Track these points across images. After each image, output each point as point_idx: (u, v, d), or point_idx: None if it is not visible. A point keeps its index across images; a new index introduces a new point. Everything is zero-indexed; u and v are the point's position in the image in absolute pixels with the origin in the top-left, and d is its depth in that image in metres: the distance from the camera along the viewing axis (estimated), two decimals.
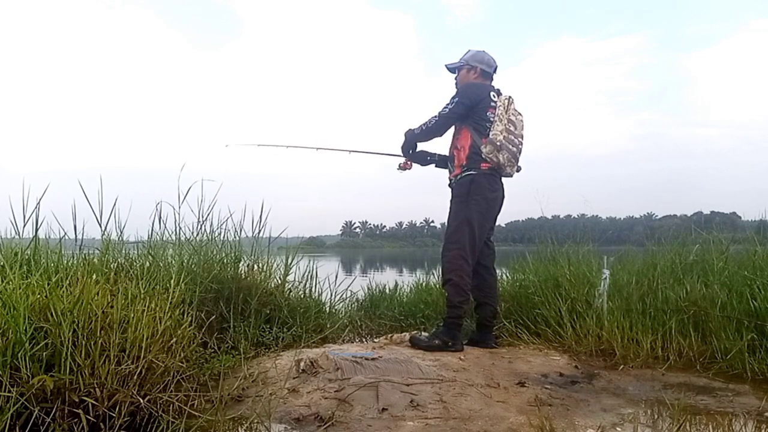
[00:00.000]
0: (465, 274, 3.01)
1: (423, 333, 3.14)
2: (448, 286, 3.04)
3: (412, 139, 3.24)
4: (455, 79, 3.31)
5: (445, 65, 3.36)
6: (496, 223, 3.30)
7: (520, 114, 3.14)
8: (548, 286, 3.35)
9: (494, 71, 3.27)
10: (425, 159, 3.33)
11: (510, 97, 3.13)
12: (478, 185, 3.04)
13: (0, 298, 1.66)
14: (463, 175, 3.08)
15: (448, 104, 3.10)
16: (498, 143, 2.97)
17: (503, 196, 3.19)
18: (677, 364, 2.71)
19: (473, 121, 3.08)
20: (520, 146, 3.10)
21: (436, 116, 3.12)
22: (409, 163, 3.36)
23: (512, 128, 3.04)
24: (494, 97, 3.10)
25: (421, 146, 3.32)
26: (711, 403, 2.18)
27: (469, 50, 3.28)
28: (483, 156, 3.01)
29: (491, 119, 3.04)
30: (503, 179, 3.18)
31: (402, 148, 3.30)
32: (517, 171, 3.16)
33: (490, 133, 3.01)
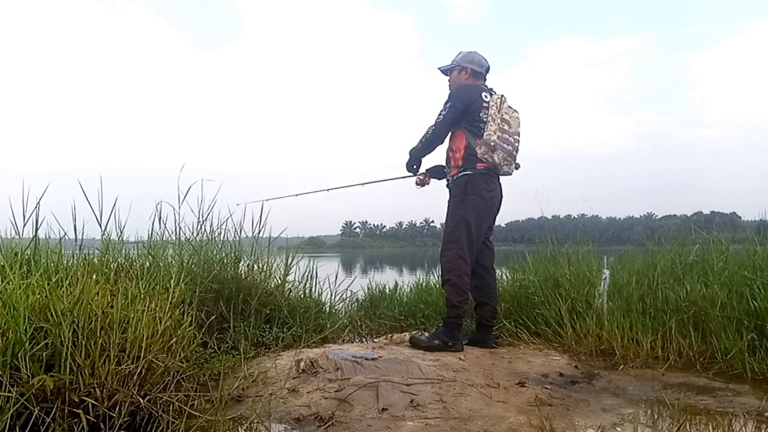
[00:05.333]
0: (464, 274, 3.01)
1: (423, 333, 3.14)
2: (447, 286, 3.04)
3: (416, 155, 3.28)
4: (448, 81, 3.32)
5: (438, 68, 3.37)
6: (496, 223, 3.30)
7: (515, 111, 3.14)
8: (548, 286, 3.36)
9: (486, 71, 3.27)
10: (441, 172, 3.33)
11: (502, 95, 3.12)
12: (474, 185, 3.05)
13: (0, 298, 1.66)
14: (460, 175, 3.09)
15: (441, 111, 3.13)
16: (492, 143, 2.98)
17: (501, 196, 3.19)
18: (677, 364, 2.71)
19: (467, 123, 3.09)
20: (516, 144, 3.08)
21: (432, 125, 3.16)
22: (427, 178, 3.38)
23: (506, 127, 3.04)
24: (486, 97, 3.10)
25: (434, 160, 3.35)
26: (711, 403, 2.18)
27: (460, 52, 3.30)
28: (478, 156, 3.02)
29: (484, 120, 3.04)
30: (502, 178, 3.18)
31: (407, 166, 3.33)
32: (516, 168, 3.15)
33: (484, 134, 3.01)
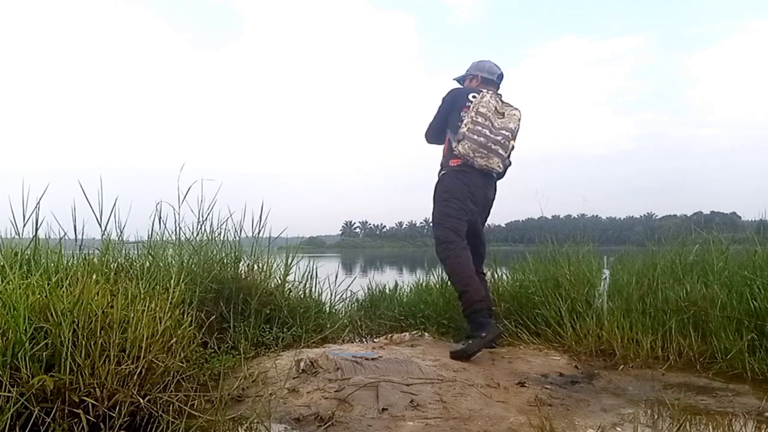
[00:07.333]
0: (457, 258, 2.93)
1: (456, 344, 2.88)
2: (451, 279, 3.03)
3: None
4: None
5: (453, 79, 3.42)
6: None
7: (515, 109, 3.11)
8: (548, 286, 3.35)
9: (498, 78, 3.29)
10: None
11: (489, 93, 3.07)
12: (443, 182, 3.10)
13: (0, 298, 1.66)
14: (439, 175, 3.14)
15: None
16: (461, 135, 2.97)
17: (485, 189, 3.10)
18: (677, 364, 2.71)
19: (451, 124, 3.11)
20: (495, 137, 2.98)
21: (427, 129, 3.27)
22: None
23: (480, 119, 2.97)
24: (473, 97, 3.09)
25: None
26: (711, 403, 2.18)
27: (474, 61, 3.36)
28: (453, 153, 3.03)
29: (463, 117, 3.04)
30: (492, 174, 3.09)
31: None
32: (503, 163, 3.08)
33: (459, 130, 3.01)
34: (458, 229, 3.00)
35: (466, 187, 3.03)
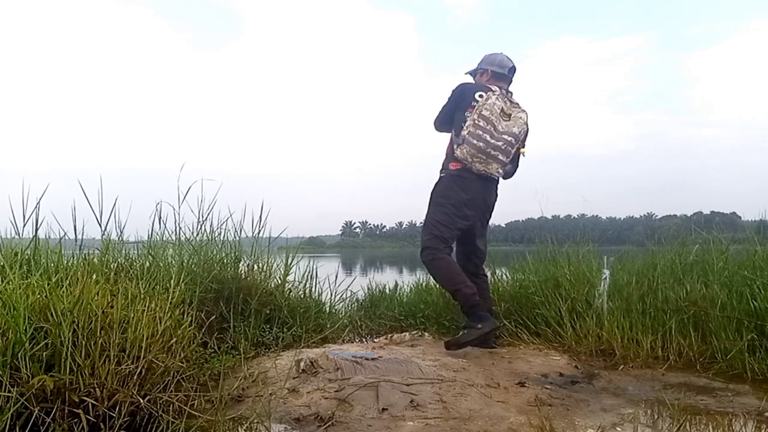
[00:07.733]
0: (440, 262, 2.95)
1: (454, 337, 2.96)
2: (439, 281, 3.06)
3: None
4: None
5: (465, 73, 3.35)
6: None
7: (522, 111, 3.04)
8: (548, 286, 3.35)
9: (510, 71, 3.19)
10: None
11: (495, 93, 2.99)
12: (440, 185, 3.07)
13: (0, 298, 1.66)
14: (439, 177, 3.12)
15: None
16: (461, 139, 2.93)
17: (484, 195, 3.08)
18: (677, 364, 2.71)
19: (456, 123, 3.04)
20: (493, 141, 2.90)
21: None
22: None
23: (482, 123, 2.90)
24: (480, 97, 3.00)
25: None
26: (711, 403, 2.18)
27: (486, 54, 3.27)
28: (454, 156, 2.99)
29: (467, 118, 2.97)
30: (492, 178, 3.06)
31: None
32: (510, 171, 3.09)
33: (461, 132, 2.97)
34: (446, 237, 3.00)
35: (463, 192, 3.00)
